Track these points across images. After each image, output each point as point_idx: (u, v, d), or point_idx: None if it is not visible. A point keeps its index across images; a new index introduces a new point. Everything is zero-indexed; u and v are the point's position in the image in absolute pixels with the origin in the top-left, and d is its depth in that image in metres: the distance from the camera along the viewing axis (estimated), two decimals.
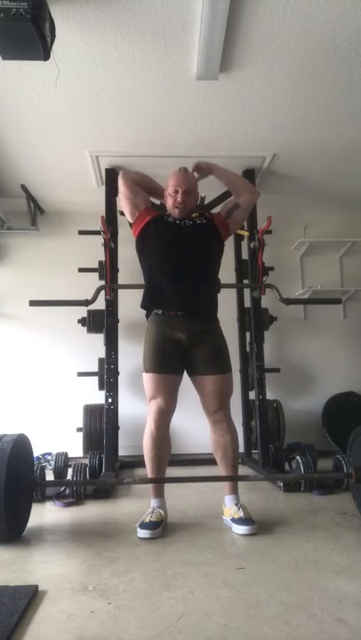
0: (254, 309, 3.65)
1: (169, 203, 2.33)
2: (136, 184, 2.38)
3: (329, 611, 1.37)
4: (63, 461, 3.17)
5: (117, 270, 3.56)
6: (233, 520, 2.13)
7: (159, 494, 2.23)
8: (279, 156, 3.54)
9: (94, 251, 3.66)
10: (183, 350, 2.25)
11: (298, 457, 2.93)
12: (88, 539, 2.07)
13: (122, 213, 3.16)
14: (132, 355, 3.64)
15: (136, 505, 2.55)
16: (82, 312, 3.67)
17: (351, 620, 1.32)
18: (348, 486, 2.42)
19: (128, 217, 2.40)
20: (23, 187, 3.90)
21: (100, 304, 3.32)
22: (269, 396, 3.74)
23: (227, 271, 3.85)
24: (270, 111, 3.00)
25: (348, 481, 2.35)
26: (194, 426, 3.59)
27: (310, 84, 2.75)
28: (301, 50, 2.47)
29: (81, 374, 3.86)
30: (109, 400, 3.43)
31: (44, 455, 3.47)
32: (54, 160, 3.56)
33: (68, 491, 2.76)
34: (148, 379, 2.25)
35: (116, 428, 3.48)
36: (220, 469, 2.30)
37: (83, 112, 2.98)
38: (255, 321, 3.64)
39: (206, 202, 3.49)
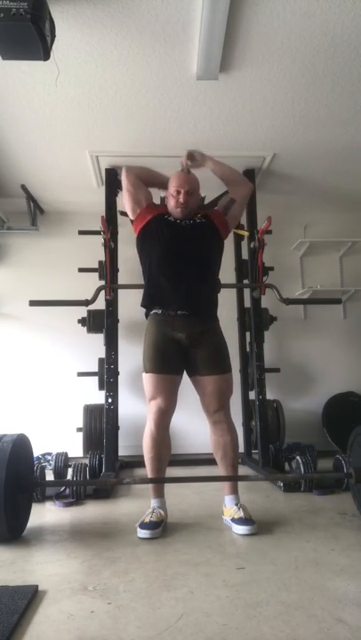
0: (254, 309, 3.65)
1: (171, 203, 2.33)
2: (140, 179, 2.38)
3: (329, 611, 1.37)
4: (63, 461, 3.17)
5: (117, 270, 3.56)
6: (233, 520, 2.13)
7: (159, 494, 2.23)
8: (279, 155, 3.54)
9: (94, 251, 3.66)
10: (183, 350, 2.25)
11: (298, 457, 2.93)
12: (88, 539, 2.07)
13: (122, 213, 3.17)
14: (132, 355, 3.63)
15: (136, 505, 2.55)
16: (82, 312, 3.67)
17: (351, 619, 1.32)
18: (349, 486, 2.42)
19: (129, 213, 2.40)
20: (23, 187, 3.91)
21: (100, 304, 3.32)
22: (269, 395, 3.74)
23: (227, 271, 3.84)
24: (270, 111, 3.00)
25: (348, 481, 2.35)
26: (194, 426, 3.58)
27: (310, 84, 2.75)
28: (301, 50, 2.47)
29: (81, 374, 3.86)
30: (109, 400, 3.43)
31: (44, 455, 3.47)
32: (54, 160, 3.56)
33: (68, 491, 2.76)
34: (147, 379, 2.25)
35: (116, 428, 3.48)
36: (220, 469, 2.30)
37: (83, 112, 2.98)
38: (255, 321, 3.64)
39: (206, 202, 3.49)
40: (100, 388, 3.69)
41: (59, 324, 4.18)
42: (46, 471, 3.18)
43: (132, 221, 2.42)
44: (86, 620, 1.35)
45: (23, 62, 2.46)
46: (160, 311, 2.28)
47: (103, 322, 3.55)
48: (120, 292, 3.61)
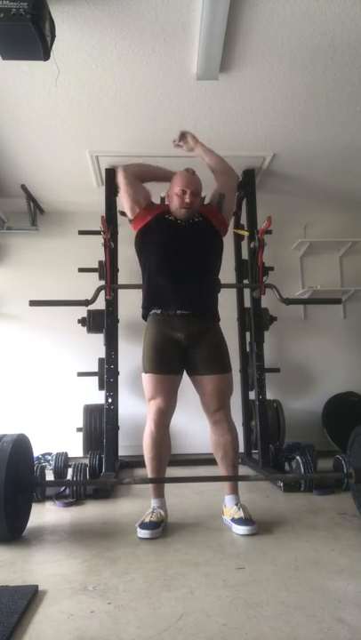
0: (254, 309, 3.65)
1: (175, 203, 2.31)
2: (137, 178, 2.37)
3: (329, 611, 1.37)
4: (63, 461, 3.17)
5: (117, 270, 3.56)
6: (233, 520, 2.13)
7: (159, 494, 2.23)
8: (279, 155, 3.54)
9: (94, 251, 3.66)
10: (182, 350, 2.25)
11: (298, 457, 2.93)
12: (88, 539, 2.07)
13: (122, 213, 3.16)
14: (132, 355, 3.63)
15: (136, 505, 2.55)
16: (82, 312, 3.67)
17: (351, 619, 1.32)
18: (349, 486, 2.42)
19: (128, 213, 2.39)
20: (23, 187, 3.91)
21: (100, 304, 3.32)
22: (269, 395, 3.74)
23: (227, 271, 3.84)
24: (270, 111, 3.00)
25: (348, 481, 2.35)
26: (194, 426, 3.59)
27: (310, 84, 2.75)
28: (301, 50, 2.47)
29: (81, 374, 3.86)
30: (109, 400, 3.43)
31: (44, 455, 3.46)
32: (54, 160, 3.56)
33: (68, 491, 2.76)
34: (147, 379, 2.25)
35: (116, 428, 3.48)
36: (220, 469, 2.30)
37: (83, 112, 2.98)
38: (255, 321, 3.64)
39: (206, 202, 3.48)
40: (100, 388, 3.69)
41: (59, 324, 4.18)
42: (46, 471, 3.18)
43: (130, 220, 2.41)
44: (86, 620, 1.35)
45: (23, 62, 2.46)
46: (159, 311, 2.28)
47: (103, 322, 3.55)
48: (120, 291, 3.61)
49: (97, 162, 3.58)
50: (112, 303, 3.54)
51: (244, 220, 3.81)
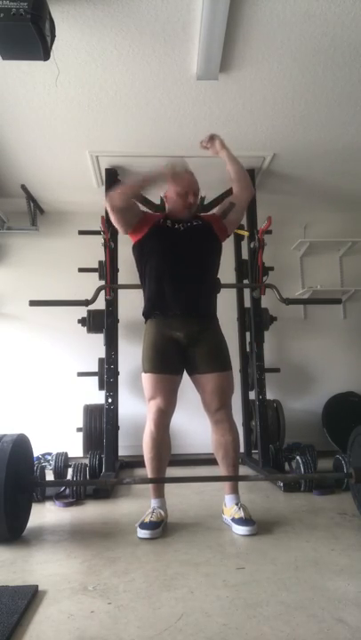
0: (254, 309, 3.65)
1: (178, 204, 2.32)
2: (124, 201, 2.25)
3: (329, 611, 1.37)
4: (63, 461, 3.17)
5: (117, 270, 3.56)
6: (233, 520, 2.13)
7: (159, 494, 2.23)
8: (279, 155, 3.54)
9: (94, 251, 3.66)
10: (182, 349, 2.25)
11: (298, 457, 2.93)
12: (88, 539, 2.07)
13: None
14: (132, 355, 3.62)
15: (136, 505, 2.55)
16: (82, 312, 3.67)
17: (351, 619, 1.32)
18: (349, 486, 2.42)
19: (121, 231, 2.36)
20: (23, 187, 3.91)
21: (100, 304, 3.32)
22: (269, 395, 3.74)
23: (227, 271, 3.85)
24: (270, 111, 3.00)
25: (348, 481, 2.35)
26: (194, 426, 3.59)
27: (310, 84, 2.75)
28: (301, 50, 2.47)
29: (81, 374, 3.86)
30: (109, 400, 3.43)
31: (44, 455, 3.46)
32: (54, 160, 3.56)
33: (68, 491, 2.76)
34: (147, 379, 2.25)
35: (116, 428, 3.48)
36: (220, 469, 2.30)
37: (83, 112, 2.98)
38: (255, 321, 3.64)
39: (206, 202, 3.49)
40: (100, 388, 3.69)
41: (59, 324, 4.18)
42: (46, 471, 3.18)
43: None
44: (86, 620, 1.35)
45: (23, 62, 2.46)
46: (159, 313, 2.28)
47: (103, 322, 3.55)
48: (120, 291, 3.61)
49: (97, 162, 3.58)
50: (112, 303, 3.54)
51: (244, 220, 3.80)
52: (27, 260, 4.36)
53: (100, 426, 3.59)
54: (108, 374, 3.47)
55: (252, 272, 3.63)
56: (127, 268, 3.55)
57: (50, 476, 3.12)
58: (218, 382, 2.25)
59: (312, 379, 4.42)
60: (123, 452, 3.74)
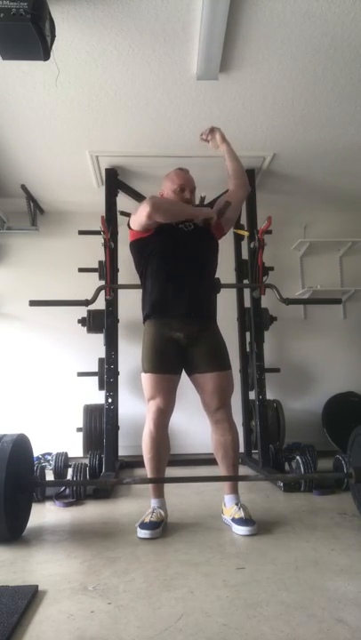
0: (254, 309, 3.65)
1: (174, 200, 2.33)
2: (164, 220, 2.24)
3: (329, 611, 1.37)
4: (63, 461, 3.17)
5: (117, 270, 3.56)
6: (233, 520, 2.13)
7: (159, 494, 2.23)
8: (279, 155, 3.54)
9: (94, 251, 3.66)
10: (182, 349, 2.25)
11: (298, 457, 2.93)
12: (88, 539, 2.07)
13: (122, 213, 3.17)
14: (132, 355, 3.62)
15: (136, 505, 2.55)
16: (82, 312, 3.67)
17: (351, 619, 1.32)
18: (349, 486, 2.42)
19: (135, 227, 2.32)
20: (23, 187, 3.91)
21: (100, 304, 3.32)
22: (269, 395, 3.74)
23: (227, 271, 3.85)
24: (270, 111, 3.00)
25: (348, 481, 2.35)
26: (194, 426, 3.59)
27: (310, 84, 2.75)
28: (301, 50, 2.47)
29: (81, 374, 3.86)
30: (109, 400, 3.43)
31: (44, 455, 3.46)
32: (54, 160, 3.56)
33: (68, 491, 2.76)
34: (146, 379, 2.25)
35: (116, 428, 3.48)
36: (220, 469, 2.30)
37: (83, 112, 2.98)
38: (255, 321, 3.64)
39: (206, 202, 3.49)
40: (100, 388, 3.69)
41: (59, 324, 4.18)
42: (46, 471, 3.18)
43: (128, 225, 2.38)
44: (86, 620, 1.35)
45: (23, 62, 2.46)
46: (159, 316, 2.28)
47: (103, 322, 3.55)
48: (120, 291, 3.61)
49: (97, 162, 3.58)
50: (112, 303, 3.53)
51: (244, 220, 3.81)
52: (27, 259, 4.36)
53: (100, 426, 3.59)
54: (108, 374, 3.47)
55: (252, 272, 3.63)
56: (127, 268, 3.53)
57: (50, 476, 3.12)
58: (217, 382, 2.25)
59: (312, 379, 4.42)
60: (123, 452, 3.74)
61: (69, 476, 2.98)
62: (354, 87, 2.78)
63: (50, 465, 3.25)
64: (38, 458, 3.33)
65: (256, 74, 2.65)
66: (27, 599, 1.43)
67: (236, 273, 4.03)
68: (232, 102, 2.91)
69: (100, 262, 3.59)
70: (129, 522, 2.22)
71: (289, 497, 2.72)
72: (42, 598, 1.49)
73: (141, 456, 2.26)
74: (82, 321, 3.74)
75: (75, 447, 3.71)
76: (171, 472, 2.38)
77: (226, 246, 3.87)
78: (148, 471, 2.25)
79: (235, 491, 2.26)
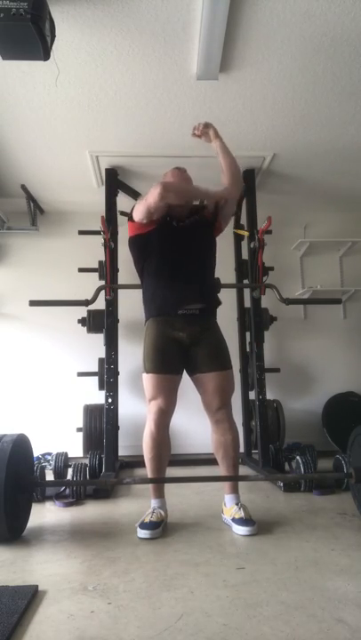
0: (254, 309, 3.65)
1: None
2: (177, 202, 2.23)
3: (329, 611, 1.37)
4: (63, 461, 3.17)
5: (117, 270, 3.56)
6: (233, 520, 2.13)
7: (159, 494, 2.23)
8: (279, 155, 3.54)
9: (94, 251, 3.66)
10: (183, 349, 2.25)
11: (298, 457, 2.93)
12: (88, 539, 2.07)
13: (122, 213, 3.16)
14: (132, 355, 3.63)
15: (136, 505, 2.55)
16: (82, 312, 3.67)
17: (351, 619, 1.32)
18: (349, 486, 2.42)
19: (137, 217, 2.29)
20: (23, 187, 3.91)
21: (100, 304, 3.32)
22: (269, 395, 3.74)
23: (227, 271, 3.85)
24: (270, 111, 3.00)
25: (348, 481, 2.35)
26: (194, 426, 3.59)
27: (310, 84, 2.75)
28: (301, 50, 2.47)
29: (81, 374, 3.86)
30: (109, 400, 3.43)
31: (44, 455, 3.46)
32: (54, 160, 3.56)
33: (68, 491, 2.76)
34: (147, 379, 2.25)
35: (116, 428, 3.48)
36: (220, 469, 2.30)
37: (83, 112, 2.98)
38: (255, 321, 3.64)
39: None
40: (100, 388, 3.69)
41: (59, 324, 4.18)
42: (46, 471, 3.18)
43: (129, 221, 2.35)
44: (86, 620, 1.35)
45: (23, 62, 2.46)
46: (162, 314, 2.28)
47: (103, 322, 3.55)
48: (120, 291, 3.61)
49: (97, 162, 3.58)
50: (112, 303, 3.53)
51: (244, 220, 3.81)
52: (27, 259, 4.36)
53: (100, 426, 3.59)
54: (108, 374, 3.47)
55: (252, 272, 3.63)
56: (127, 268, 3.53)
57: (50, 476, 3.12)
58: (218, 381, 2.25)
59: (312, 379, 4.42)
60: (123, 452, 3.74)
61: (69, 476, 2.98)
62: (354, 87, 2.78)
63: (50, 465, 3.25)
64: (38, 458, 3.33)
65: (256, 74, 2.65)
66: (27, 599, 1.43)
67: (236, 273, 4.04)
68: (232, 102, 2.91)
69: (100, 262, 3.59)
70: (129, 522, 2.22)
71: (289, 497, 2.72)
72: (42, 598, 1.49)
73: (141, 456, 2.26)
74: (82, 321, 3.74)
75: (75, 447, 3.71)
76: (171, 472, 2.38)
77: (226, 246, 3.89)
78: (148, 471, 2.25)
79: (235, 490, 2.26)
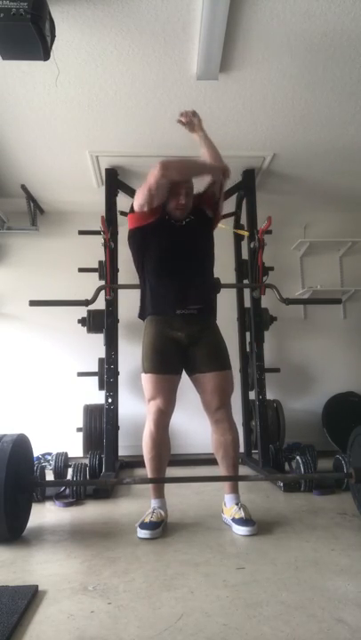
0: (254, 309, 3.65)
1: (171, 204, 2.28)
2: (179, 178, 2.20)
3: (329, 611, 1.37)
4: (63, 461, 3.17)
5: (117, 270, 3.56)
6: (233, 520, 2.13)
7: (159, 494, 2.23)
8: (279, 155, 3.54)
9: (94, 251, 3.66)
10: (182, 349, 2.25)
11: (298, 457, 2.93)
12: (88, 539, 2.07)
13: (122, 213, 3.16)
14: (131, 355, 3.61)
15: (136, 505, 2.55)
16: (82, 312, 3.67)
17: (351, 619, 1.32)
18: (349, 486, 2.42)
19: (136, 206, 2.26)
20: (23, 187, 3.91)
21: (100, 304, 3.32)
22: (269, 395, 3.74)
23: (227, 271, 3.85)
24: (270, 111, 3.00)
25: (348, 481, 2.35)
26: (194, 426, 3.59)
27: (310, 84, 2.75)
28: (301, 50, 2.47)
29: (81, 374, 3.86)
30: (109, 400, 3.43)
31: (44, 455, 3.46)
32: (54, 160, 3.56)
33: (68, 491, 2.76)
34: (147, 379, 2.25)
35: (116, 428, 3.48)
36: (220, 469, 2.30)
37: (83, 112, 2.98)
38: (255, 321, 3.64)
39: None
40: (100, 388, 3.69)
41: (59, 324, 4.18)
42: (46, 471, 3.18)
43: (129, 213, 2.32)
44: (86, 620, 1.35)
45: (23, 62, 2.46)
46: (160, 313, 2.28)
47: (103, 322, 3.55)
48: (120, 291, 3.61)
49: (97, 162, 3.58)
50: (112, 303, 3.54)
51: (244, 220, 3.81)
52: (27, 259, 4.36)
53: (100, 426, 3.59)
54: (108, 374, 3.47)
55: (252, 272, 3.63)
56: (127, 268, 3.53)
57: (50, 476, 3.12)
58: (218, 381, 2.25)
59: (312, 379, 4.42)
60: (123, 452, 3.74)
61: (69, 476, 2.98)
62: (354, 87, 2.78)
63: (50, 465, 3.25)
64: (38, 458, 3.32)
65: (256, 74, 2.66)
66: (27, 599, 1.43)
67: (236, 273, 4.04)
68: (232, 102, 2.91)
69: (100, 262, 3.59)
70: (129, 522, 2.22)
71: (289, 497, 2.72)
72: (42, 598, 1.49)
73: (141, 456, 2.26)
74: (82, 321, 3.74)
75: (75, 447, 3.71)
76: (171, 472, 2.38)
77: (226, 246, 3.89)
78: (148, 471, 2.25)
79: (235, 490, 2.26)
